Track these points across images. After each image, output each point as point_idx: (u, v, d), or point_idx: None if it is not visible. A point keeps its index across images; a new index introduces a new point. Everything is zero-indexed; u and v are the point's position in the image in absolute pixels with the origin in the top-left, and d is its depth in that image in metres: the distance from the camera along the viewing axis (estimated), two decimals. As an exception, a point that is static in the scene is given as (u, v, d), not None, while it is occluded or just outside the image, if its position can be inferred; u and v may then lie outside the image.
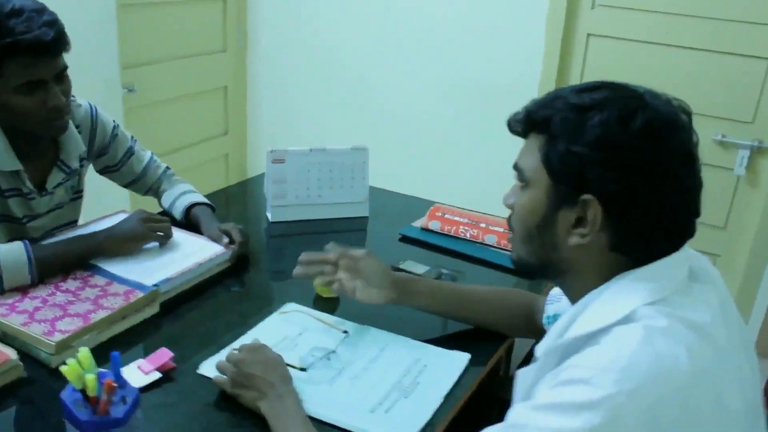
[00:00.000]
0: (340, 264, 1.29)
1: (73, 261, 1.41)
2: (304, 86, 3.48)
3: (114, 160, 1.73)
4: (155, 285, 1.37)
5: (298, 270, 1.32)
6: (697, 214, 0.86)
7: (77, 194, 1.70)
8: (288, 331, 1.32)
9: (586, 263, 0.88)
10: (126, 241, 1.48)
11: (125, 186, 1.81)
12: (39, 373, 1.16)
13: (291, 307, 1.40)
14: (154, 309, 1.36)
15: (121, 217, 1.57)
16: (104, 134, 1.69)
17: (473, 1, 2.92)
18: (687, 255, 0.88)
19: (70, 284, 1.36)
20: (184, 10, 3.24)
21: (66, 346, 1.18)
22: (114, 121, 1.73)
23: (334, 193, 1.87)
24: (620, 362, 0.73)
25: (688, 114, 0.85)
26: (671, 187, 0.81)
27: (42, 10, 1.37)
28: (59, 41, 1.37)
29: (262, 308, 1.41)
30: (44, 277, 1.36)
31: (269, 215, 1.85)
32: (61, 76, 1.43)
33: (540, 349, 0.86)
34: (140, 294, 1.33)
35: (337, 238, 1.38)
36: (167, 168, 1.84)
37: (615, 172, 0.80)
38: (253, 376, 1.07)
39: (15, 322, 1.22)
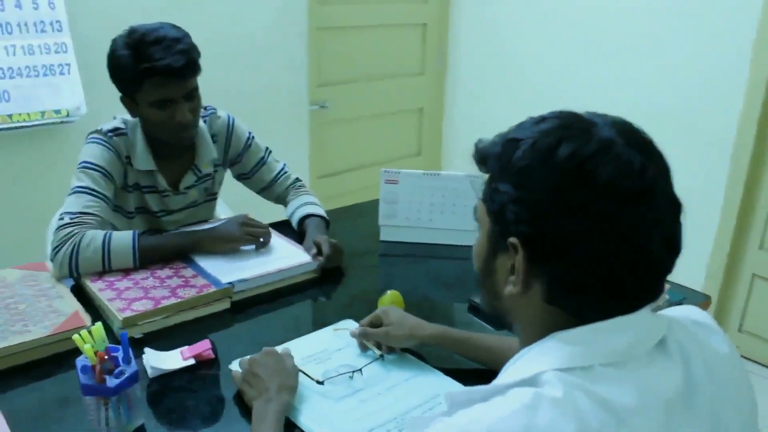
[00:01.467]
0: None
1: (173, 253, 1.60)
2: (500, 108, 3.47)
3: (246, 169, 1.91)
4: (230, 283, 1.49)
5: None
6: (654, 268, 0.72)
7: (211, 196, 1.91)
8: (329, 345, 1.35)
9: (525, 315, 0.78)
10: (221, 241, 1.63)
11: (258, 192, 1.98)
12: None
13: (346, 324, 1.42)
14: (224, 305, 1.48)
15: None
16: (238, 144, 1.87)
17: (675, 27, 2.67)
18: (655, 321, 0.75)
19: (164, 272, 1.54)
20: (383, 34, 3.43)
21: (132, 323, 1.35)
22: (250, 133, 1.91)
23: (445, 219, 1.85)
24: (480, 426, 0.65)
25: (640, 144, 0.72)
26: (602, 231, 0.69)
27: (179, 39, 1.57)
28: (188, 67, 1.57)
29: (332, 321, 1.43)
30: (146, 263, 1.56)
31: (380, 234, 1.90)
32: (190, 96, 1.62)
33: (451, 395, 0.79)
34: (213, 289, 1.46)
35: (442, 264, 1.36)
36: (297, 180, 1.98)
37: (531, 212, 0.71)
38: (257, 377, 1.13)
39: (105, 296, 1.42)
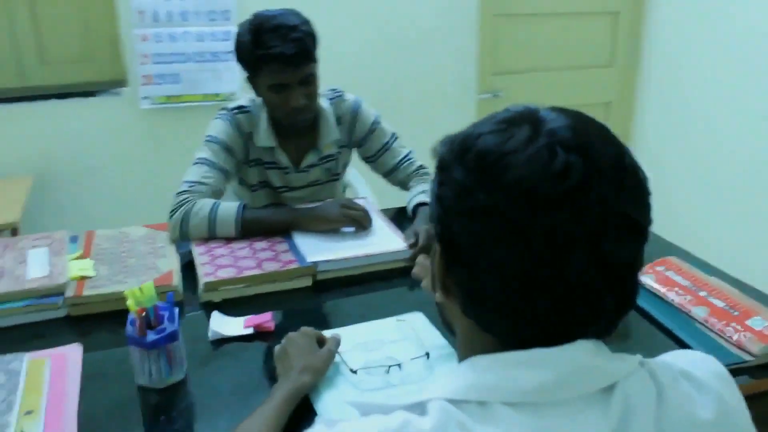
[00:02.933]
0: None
1: (274, 228, 1.67)
2: (698, 107, 3.11)
3: (370, 152, 1.93)
4: (314, 262, 1.52)
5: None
6: (577, 292, 0.59)
7: (335, 176, 1.96)
8: (386, 335, 1.32)
9: (458, 329, 0.71)
10: (318, 220, 1.66)
11: (383, 176, 1.99)
12: (190, 301, 1.45)
13: (413, 316, 1.38)
14: (305, 282, 1.51)
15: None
16: (363, 128, 1.90)
17: None
18: (600, 363, 0.62)
19: (260, 244, 1.62)
20: (568, 23, 3.24)
21: (213, 288, 1.44)
22: (377, 117, 1.92)
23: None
24: None
25: (578, 144, 0.59)
26: (507, 239, 0.59)
27: (295, 27, 1.63)
28: (300, 56, 1.62)
29: (409, 311, 1.40)
30: (247, 235, 1.65)
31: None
32: (305, 81, 1.67)
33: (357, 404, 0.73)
34: (296, 266, 1.50)
35: None
36: (421, 167, 1.96)
37: (443, 210, 0.64)
38: (286, 354, 1.15)
39: (200, 260, 1.53)
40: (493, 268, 0.60)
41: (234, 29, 2.64)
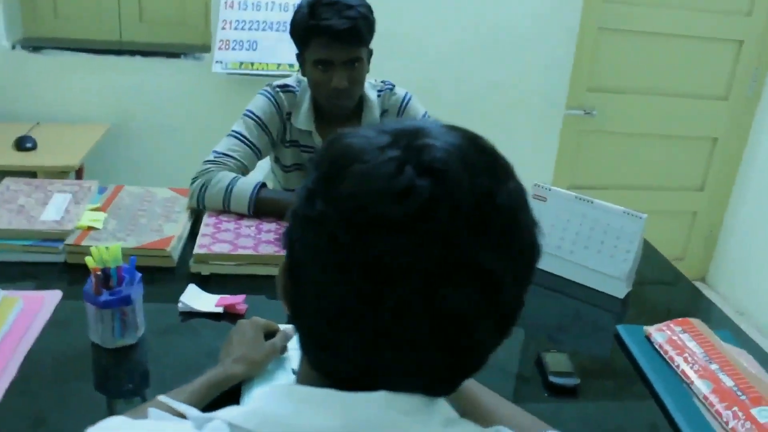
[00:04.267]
0: None
1: (286, 211, 1.64)
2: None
3: (413, 149, 1.86)
4: (310, 252, 1.48)
5: None
6: (368, 334, 0.52)
7: (372, 170, 1.91)
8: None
9: None
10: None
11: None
12: (181, 269, 1.46)
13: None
14: (298, 271, 1.48)
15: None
16: (408, 123, 1.83)
17: None
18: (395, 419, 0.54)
19: (267, 226, 1.60)
20: (682, 46, 2.99)
21: (202, 260, 1.44)
22: (425, 114, 1.85)
23: (588, 256, 1.57)
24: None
25: (426, 167, 0.51)
26: (317, 258, 0.53)
27: (352, 6, 1.59)
28: (350, 33, 1.58)
29: None
30: (260, 214, 1.63)
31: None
32: (351, 63, 1.63)
33: None
34: (291, 252, 1.48)
35: (565, 304, 1.22)
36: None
37: (289, 218, 0.59)
38: (230, 341, 1.13)
39: (204, 230, 1.54)
40: (311, 283, 0.54)
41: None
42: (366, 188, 0.51)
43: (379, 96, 1.83)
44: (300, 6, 1.64)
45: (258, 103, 1.78)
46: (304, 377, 0.59)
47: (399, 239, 0.50)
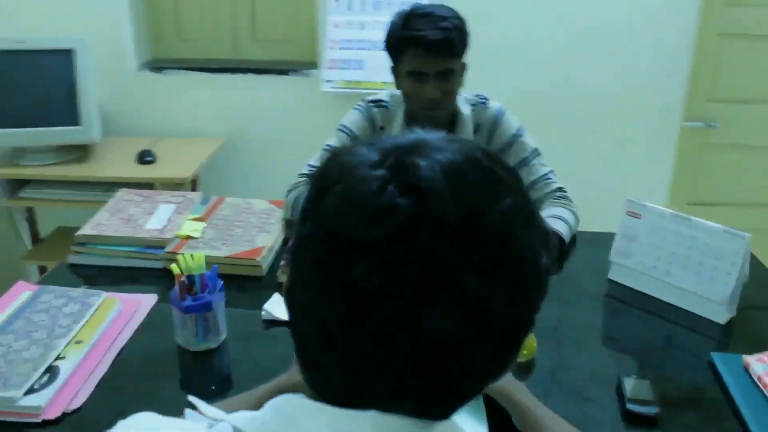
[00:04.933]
0: None
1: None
2: None
3: (507, 165, 1.83)
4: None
5: None
6: (339, 356, 0.53)
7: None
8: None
9: None
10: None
11: (519, 192, 1.88)
12: (270, 279, 1.52)
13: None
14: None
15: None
16: (502, 138, 1.81)
17: None
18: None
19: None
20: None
21: (285, 271, 1.49)
22: (518, 129, 1.81)
23: (685, 277, 1.47)
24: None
25: (408, 185, 0.50)
26: (303, 278, 0.54)
27: (444, 17, 1.61)
28: (443, 44, 1.59)
29: None
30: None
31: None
32: (444, 76, 1.64)
33: None
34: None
35: (660, 329, 1.19)
36: (559, 189, 1.81)
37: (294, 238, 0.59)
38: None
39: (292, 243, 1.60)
40: (299, 303, 0.55)
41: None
42: (346, 208, 0.50)
43: (472, 110, 1.81)
44: (394, 18, 1.67)
45: (351, 118, 1.82)
46: (308, 391, 0.60)
47: (377, 260, 0.49)
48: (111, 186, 2.23)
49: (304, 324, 0.55)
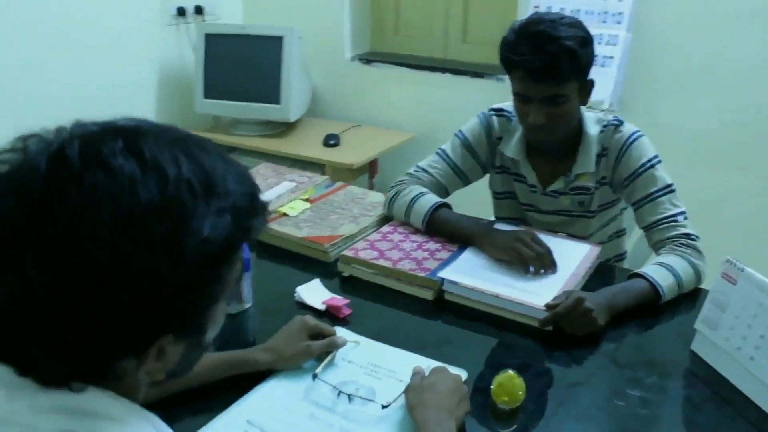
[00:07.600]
0: None
1: (456, 234, 1.62)
2: None
3: (632, 198, 1.64)
4: (439, 278, 1.45)
5: None
6: None
7: (587, 213, 1.72)
8: (394, 366, 1.23)
9: None
10: (488, 244, 1.55)
11: (643, 231, 1.66)
12: (335, 266, 1.58)
13: (454, 371, 1.22)
14: (426, 294, 1.47)
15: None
16: (629, 166, 1.62)
17: None
18: None
19: (432, 245, 1.61)
20: None
21: (347, 262, 1.55)
22: (651, 159, 1.61)
23: (772, 370, 1.17)
24: None
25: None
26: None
27: (556, 39, 1.45)
28: (546, 71, 1.47)
29: (476, 367, 1.27)
30: (432, 232, 1.65)
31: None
32: (551, 101, 1.52)
33: None
34: (422, 275, 1.47)
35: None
36: (686, 235, 1.55)
37: None
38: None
39: (369, 237, 1.64)
40: None
41: (623, 34, 2.42)
42: None
43: (601, 132, 1.65)
44: (507, 33, 1.56)
45: (470, 125, 1.78)
46: None
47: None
48: (294, 162, 2.48)
49: None
